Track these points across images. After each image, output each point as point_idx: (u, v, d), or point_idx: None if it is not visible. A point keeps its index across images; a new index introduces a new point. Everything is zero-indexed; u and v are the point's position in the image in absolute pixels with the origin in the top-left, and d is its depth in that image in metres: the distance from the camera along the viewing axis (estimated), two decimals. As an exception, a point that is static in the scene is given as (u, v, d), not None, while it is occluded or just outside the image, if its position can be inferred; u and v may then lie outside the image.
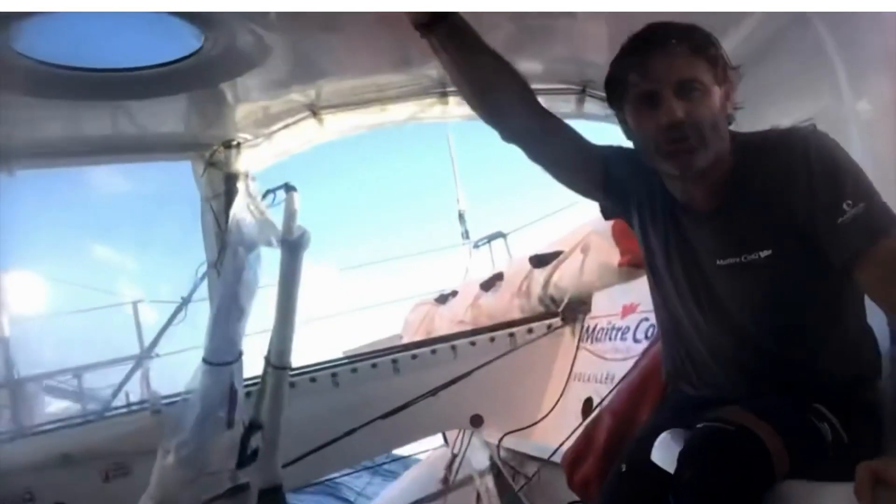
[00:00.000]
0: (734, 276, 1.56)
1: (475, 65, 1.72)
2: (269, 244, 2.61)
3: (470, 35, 1.70)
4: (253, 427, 2.61)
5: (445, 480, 4.01)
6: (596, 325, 3.44)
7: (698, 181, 1.56)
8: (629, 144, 1.77)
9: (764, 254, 1.51)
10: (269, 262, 2.69)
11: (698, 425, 1.44)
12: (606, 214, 1.89)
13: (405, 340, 5.10)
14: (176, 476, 2.55)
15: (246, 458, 2.58)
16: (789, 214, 1.49)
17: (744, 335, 1.59)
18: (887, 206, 1.45)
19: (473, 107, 1.80)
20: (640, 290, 3.17)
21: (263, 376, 2.67)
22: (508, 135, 1.79)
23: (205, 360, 2.61)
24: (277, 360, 2.62)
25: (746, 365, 1.60)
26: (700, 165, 1.51)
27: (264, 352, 2.69)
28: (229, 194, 2.83)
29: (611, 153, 1.77)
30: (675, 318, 1.71)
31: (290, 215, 2.57)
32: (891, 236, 1.41)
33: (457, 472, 3.96)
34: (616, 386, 2.76)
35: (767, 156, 1.53)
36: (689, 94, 1.48)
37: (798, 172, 1.47)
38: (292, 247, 2.56)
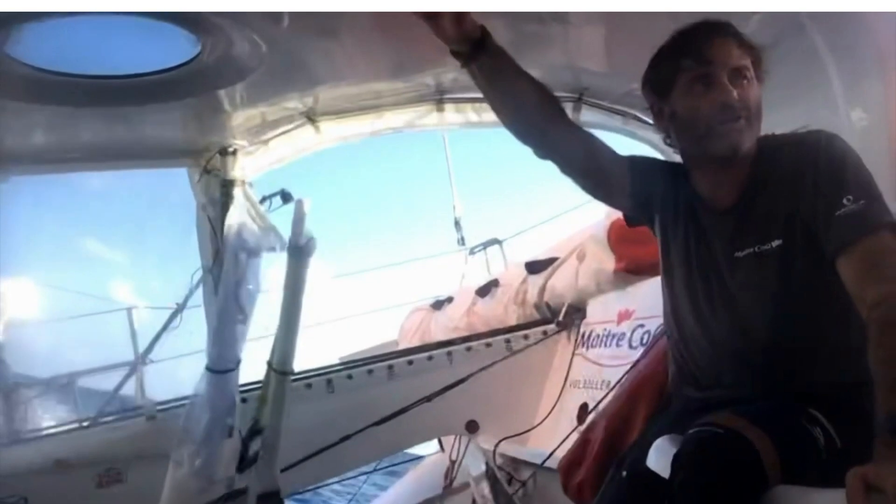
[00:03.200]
0: (749, 267, 1.62)
1: (512, 89, 1.78)
2: (273, 250, 2.61)
3: (507, 61, 1.76)
4: (254, 432, 2.60)
5: (444, 486, 4.00)
6: (591, 332, 3.44)
7: (730, 170, 1.64)
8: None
9: (776, 244, 1.59)
10: (270, 268, 2.70)
11: (690, 430, 1.45)
12: (631, 222, 1.96)
13: (401, 346, 5.09)
14: (191, 487, 2.55)
15: (246, 462, 2.58)
16: (797, 206, 1.56)
17: (751, 331, 1.62)
18: (886, 207, 1.51)
19: (510, 128, 1.85)
20: (635, 296, 3.19)
21: (266, 381, 2.67)
22: (544, 153, 1.86)
23: (209, 369, 2.61)
24: (280, 365, 2.62)
25: (751, 362, 1.63)
26: (745, 146, 1.60)
27: (264, 357, 2.68)
28: (225, 201, 2.83)
29: (634, 161, 1.85)
30: (684, 319, 1.76)
31: (298, 221, 2.57)
32: (878, 234, 1.46)
33: (453, 478, 3.95)
34: (611, 391, 2.76)
35: (783, 154, 1.62)
36: (740, 80, 1.60)
37: (808, 167, 1.56)
38: (299, 253, 2.56)
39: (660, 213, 1.82)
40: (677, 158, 1.83)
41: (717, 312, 1.67)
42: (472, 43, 1.71)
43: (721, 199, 1.68)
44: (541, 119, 1.81)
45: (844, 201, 1.49)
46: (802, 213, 1.56)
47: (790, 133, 1.69)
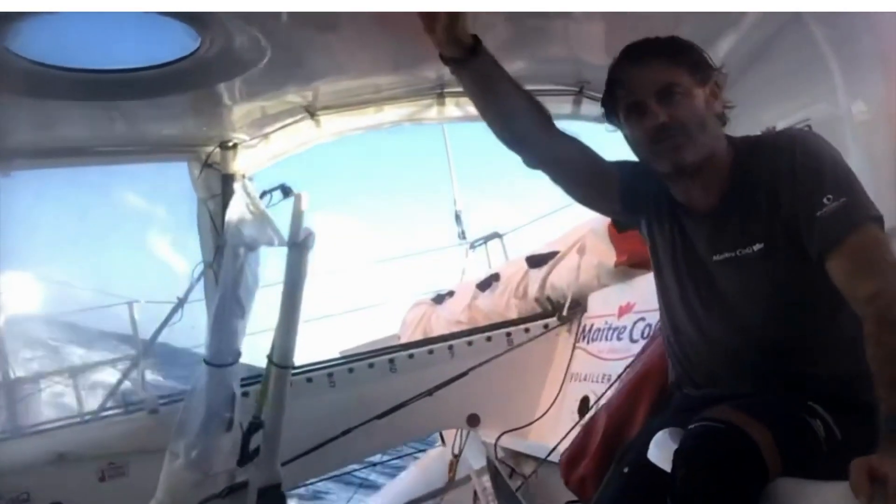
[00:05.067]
0: (731, 270, 1.62)
1: (502, 97, 1.80)
2: (271, 244, 2.61)
3: (497, 69, 1.77)
4: (254, 426, 2.61)
5: (447, 480, 4.00)
6: (592, 325, 3.44)
7: (695, 178, 1.64)
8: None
9: (757, 247, 1.59)
10: (271, 262, 2.70)
11: (690, 425, 1.46)
12: (620, 227, 1.95)
13: (402, 340, 5.10)
14: (185, 479, 2.56)
15: (247, 456, 2.59)
16: (777, 209, 1.56)
17: (744, 330, 1.63)
18: (868, 201, 1.50)
19: (500, 136, 1.86)
20: (636, 290, 3.19)
21: (266, 375, 2.67)
22: (533, 162, 1.87)
23: (207, 362, 2.62)
24: (280, 359, 2.62)
25: (747, 360, 1.63)
26: (689, 160, 1.60)
27: (264, 351, 2.69)
28: (226, 195, 2.84)
29: (622, 168, 1.85)
30: (677, 320, 1.76)
31: (297, 216, 2.57)
32: (862, 230, 1.46)
33: (454, 471, 3.96)
34: (612, 385, 2.77)
35: (760, 155, 1.61)
36: (670, 98, 1.60)
37: (785, 168, 1.55)
38: (298, 247, 2.57)
39: (646, 216, 1.83)
40: None
41: (707, 312, 1.68)
42: (463, 49, 1.72)
43: (699, 204, 1.68)
44: (530, 128, 1.82)
45: (824, 201, 1.48)
46: (783, 215, 1.55)
47: (766, 133, 1.68)
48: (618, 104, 1.67)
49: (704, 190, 1.65)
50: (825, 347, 1.58)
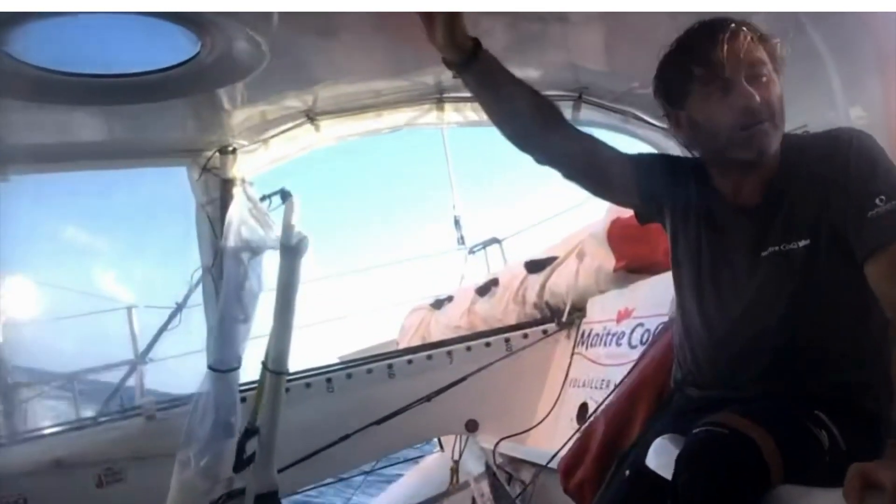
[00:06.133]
0: (772, 266, 1.58)
1: (507, 98, 1.78)
2: (275, 248, 2.61)
3: (500, 70, 1.76)
4: (250, 432, 2.60)
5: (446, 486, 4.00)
6: (591, 331, 3.44)
7: (754, 171, 1.59)
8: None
9: (802, 243, 1.54)
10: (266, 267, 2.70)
11: (694, 430, 1.44)
12: (642, 220, 1.92)
13: (401, 346, 5.09)
14: (197, 487, 2.54)
15: (242, 462, 2.58)
16: (826, 206, 1.52)
17: (763, 331, 1.59)
18: None
19: (508, 137, 1.84)
20: (635, 295, 3.19)
21: (261, 381, 2.67)
22: (544, 160, 1.84)
23: (212, 368, 2.61)
24: (275, 365, 2.61)
25: (758, 363, 1.60)
26: (771, 149, 1.55)
27: (261, 357, 2.68)
28: (225, 200, 2.84)
29: (641, 160, 1.84)
30: (689, 317, 1.73)
31: (289, 220, 2.57)
32: None
33: (455, 478, 3.95)
34: (611, 391, 2.76)
35: (812, 152, 1.57)
36: (758, 79, 1.53)
37: (838, 166, 1.51)
38: (291, 252, 2.56)
39: (670, 211, 1.78)
40: (679, 153, 1.82)
41: (723, 311, 1.64)
42: (464, 52, 1.71)
43: (745, 198, 1.63)
44: (538, 126, 1.80)
45: (877, 202, 1.45)
46: (831, 213, 1.51)
47: (819, 131, 1.64)
48: (691, 83, 1.56)
49: (755, 184, 1.60)
50: (841, 356, 1.55)
